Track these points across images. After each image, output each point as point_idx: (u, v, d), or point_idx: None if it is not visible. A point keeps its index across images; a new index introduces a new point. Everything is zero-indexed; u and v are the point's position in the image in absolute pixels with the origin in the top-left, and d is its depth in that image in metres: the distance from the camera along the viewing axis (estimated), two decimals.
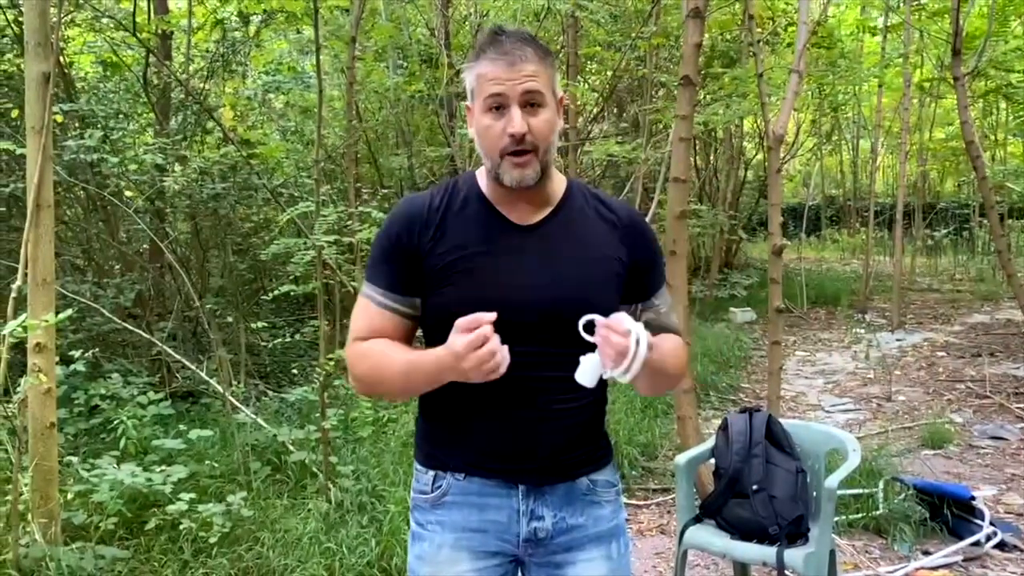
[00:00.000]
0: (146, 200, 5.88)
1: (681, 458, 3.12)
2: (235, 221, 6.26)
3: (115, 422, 4.03)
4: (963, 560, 3.59)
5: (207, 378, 4.73)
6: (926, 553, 3.66)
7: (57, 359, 3.23)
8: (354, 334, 1.56)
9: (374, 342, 1.53)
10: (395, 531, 3.39)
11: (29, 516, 2.99)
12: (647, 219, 2.44)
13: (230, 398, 4.43)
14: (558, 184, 1.58)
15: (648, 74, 7.81)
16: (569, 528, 1.56)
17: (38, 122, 2.97)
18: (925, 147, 14.12)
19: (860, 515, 3.95)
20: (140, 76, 6.19)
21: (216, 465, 4.00)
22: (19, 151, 3.74)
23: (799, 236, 15.37)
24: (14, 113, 5.27)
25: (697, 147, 11.91)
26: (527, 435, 1.51)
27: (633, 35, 7.56)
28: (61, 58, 5.56)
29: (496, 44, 1.45)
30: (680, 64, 4.34)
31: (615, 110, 10.63)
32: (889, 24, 11.40)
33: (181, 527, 3.26)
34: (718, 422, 3.33)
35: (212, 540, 3.24)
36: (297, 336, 5.77)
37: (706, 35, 6.79)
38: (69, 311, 2.98)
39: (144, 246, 6.53)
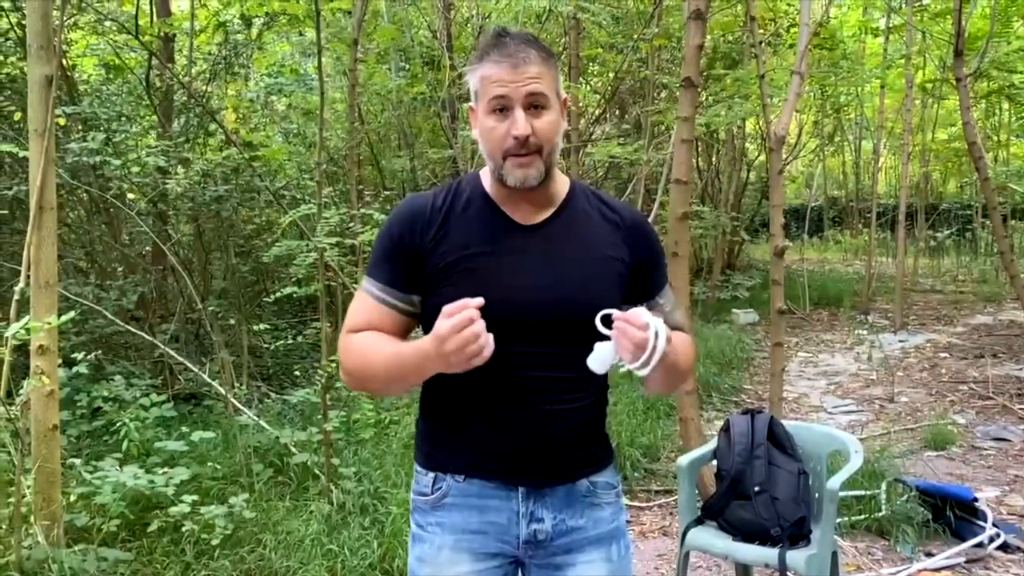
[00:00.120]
0: (148, 202, 5.89)
1: (683, 460, 3.12)
2: (237, 223, 6.26)
3: (117, 424, 4.03)
4: (966, 562, 3.59)
5: (209, 380, 4.74)
6: (929, 555, 3.65)
7: (60, 361, 3.23)
8: (347, 327, 1.55)
9: (365, 334, 1.52)
10: (397, 533, 3.39)
11: (32, 518, 2.99)
12: (649, 220, 2.44)
13: (232, 400, 4.43)
14: (561, 185, 1.59)
15: (650, 76, 7.81)
16: (569, 530, 1.56)
17: (40, 125, 2.97)
18: (927, 148, 14.11)
19: (863, 516, 3.95)
20: (143, 79, 6.20)
21: (218, 467, 4.00)
22: (22, 154, 3.75)
23: (802, 237, 15.35)
24: (17, 116, 5.28)
25: (699, 148, 11.90)
26: (527, 436, 1.51)
27: (635, 37, 7.56)
28: (64, 61, 5.57)
29: (500, 46, 1.45)
30: (682, 66, 4.34)
31: (617, 112, 10.63)
32: (891, 25, 11.40)
33: (183, 529, 3.27)
34: (720, 423, 3.33)
35: (214, 542, 3.24)
36: (299, 338, 5.76)
37: (708, 37, 6.81)
38: (72, 313, 2.98)
39: (147, 248, 6.53)
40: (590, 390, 1.56)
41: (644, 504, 4.38)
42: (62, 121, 5.10)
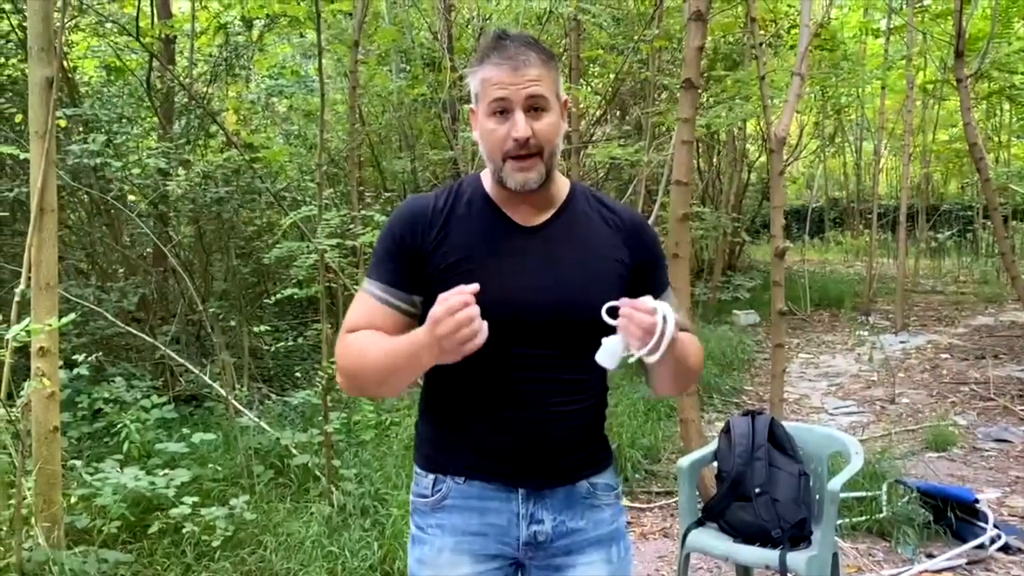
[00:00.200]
0: (149, 204, 5.89)
1: (684, 461, 3.12)
2: (238, 225, 6.26)
3: (118, 426, 4.03)
4: (967, 563, 3.58)
5: (210, 382, 4.74)
6: (930, 556, 3.65)
7: (60, 363, 3.24)
8: (346, 327, 1.53)
9: (362, 333, 1.50)
10: (398, 535, 3.39)
11: (32, 520, 2.99)
12: (650, 221, 2.44)
13: (233, 402, 4.44)
14: (561, 186, 1.59)
15: (651, 77, 7.81)
16: (569, 531, 1.56)
17: (41, 127, 2.98)
18: (928, 149, 14.11)
19: (864, 518, 3.94)
20: (143, 80, 6.21)
21: (219, 469, 4.00)
22: (23, 156, 3.75)
23: (802, 238, 15.34)
24: (18, 118, 5.28)
25: (700, 149, 11.90)
26: (527, 437, 1.51)
27: (635, 38, 7.56)
28: (65, 63, 5.57)
29: (500, 49, 1.45)
30: (682, 67, 4.34)
31: (618, 113, 10.62)
32: (892, 26, 11.41)
33: (184, 531, 3.27)
34: (721, 425, 3.32)
35: (215, 544, 3.25)
36: (300, 339, 5.77)
37: (709, 38, 6.80)
38: (72, 315, 2.98)
39: (147, 250, 6.54)
40: (590, 392, 1.56)
41: (645, 505, 4.38)
42: (63, 123, 5.11)
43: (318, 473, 3.98)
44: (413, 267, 1.51)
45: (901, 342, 9.01)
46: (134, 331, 4.80)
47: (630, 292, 1.56)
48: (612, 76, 9.56)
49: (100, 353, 4.71)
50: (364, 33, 6.07)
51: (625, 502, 4.32)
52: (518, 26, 7.57)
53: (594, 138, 9.60)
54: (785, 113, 4.70)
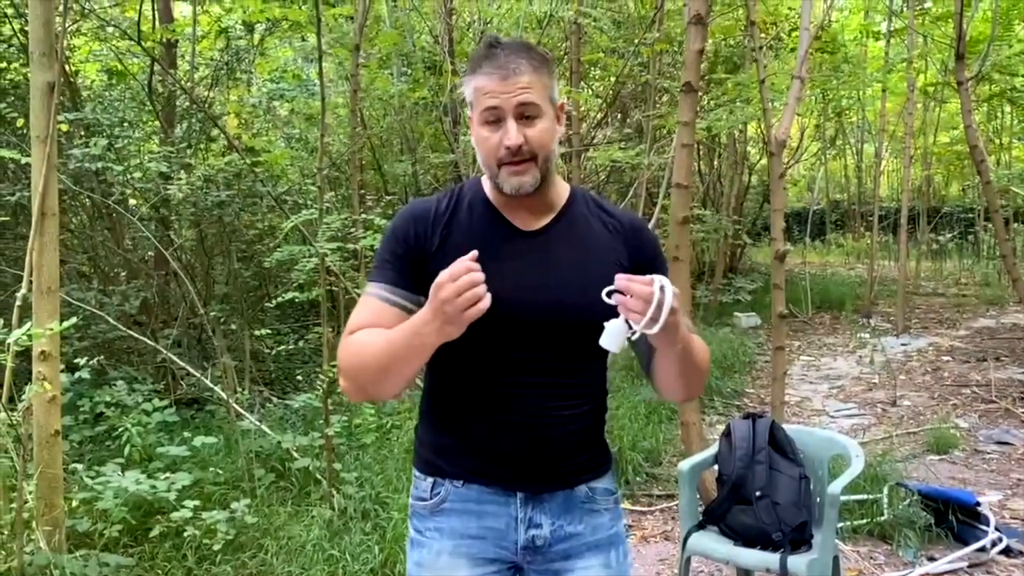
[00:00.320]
0: (151, 208, 5.90)
1: (684, 464, 3.12)
2: (240, 228, 6.27)
3: (120, 429, 4.03)
4: (968, 566, 3.58)
5: (212, 385, 4.74)
6: (931, 559, 3.65)
7: (62, 367, 3.24)
8: (348, 330, 1.52)
9: (363, 331, 1.49)
10: (398, 538, 3.39)
11: (34, 524, 2.99)
12: (651, 225, 2.45)
13: (234, 405, 4.44)
14: (561, 190, 1.60)
15: (651, 80, 7.82)
16: (567, 536, 1.56)
17: (43, 131, 2.98)
18: (929, 151, 14.12)
19: (865, 521, 3.94)
20: (145, 84, 6.22)
21: (220, 472, 4.01)
22: (24, 160, 3.76)
23: (804, 240, 15.35)
24: (19, 122, 5.30)
25: (701, 152, 11.90)
26: (526, 441, 1.51)
27: (636, 41, 7.57)
28: (67, 67, 5.59)
29: (491, 57, 1.47)
30: (683, 70, 4.35)
31: (619, 116, 10.63)
32: (892, 29, 11.41)
33: (185, 534, 3.27)
34: (722, 427, 3.32)
35: (216, 547, 3.25)
36: (301, 343, 5.78)
37: (709, 40, 6.81)
38: (74, 319, 2.98)
39: (149, 253, 6.55)
40: (589, 396, 1.57)
41: (646, 509, 4.38)
42: (65, 127, 5.12)
43: (319, 476, 3.98)
44: (416, 268, 1.52)
45: (902, 344, 9.01)
46: (135, 335, 4.81)
47: None
48: (613, 79, 9.56)
49: (102, 357, 4.71)
50: (365, 37, 6.09)
51: (626, 505, 4.34)
52: (519, 29, 7.59)
53: (595, 141, 9.61)
54: (785, 116, 4.71)
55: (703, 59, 4.60)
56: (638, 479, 4.69)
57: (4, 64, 5.51)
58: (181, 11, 8.27)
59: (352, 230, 4.79)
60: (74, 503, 3.32)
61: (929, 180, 16.43)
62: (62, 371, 3.28)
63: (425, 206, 1.57)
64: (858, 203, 19.39)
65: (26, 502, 2.96)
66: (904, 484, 4.10)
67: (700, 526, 3.02)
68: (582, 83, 8.77)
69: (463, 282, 1.29)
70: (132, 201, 6.15)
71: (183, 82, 6.70)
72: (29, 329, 2.76)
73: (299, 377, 5.70)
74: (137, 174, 5.50)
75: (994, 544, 3.69)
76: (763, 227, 15.35)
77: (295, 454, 4.13)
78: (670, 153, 6.25)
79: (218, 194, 5.72)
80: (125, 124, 6.14)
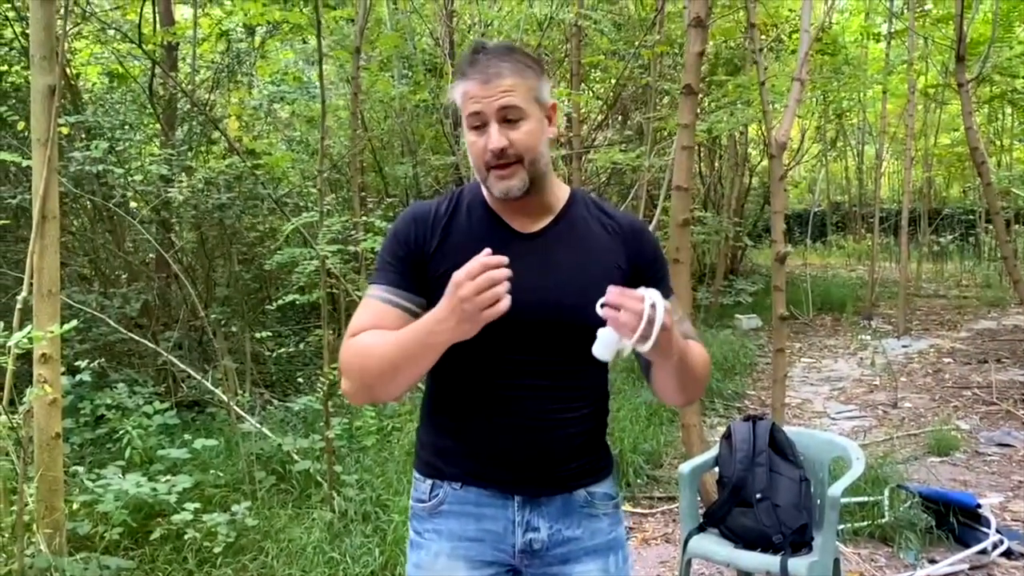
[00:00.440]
0: (152, 210, 5.91)
1: (685, 467, 3.12)
2: (240, 231, 6.28)
3: (120, 432, 4.03)
4: (969, 568, 3.58)
5: (212, 387, 4.75)
6: (932, 561, 3.64)
7: (63, 369, 3.24)
8: (350, 332, 1.51)
9: (366, 333, 1.48)
10: (399, 540, 3.39)
11: (34, 527, 2.99)
12: (651, 226, 2.45)
13: (235, 407, 4.44)
14: (560, 192, 1.60)
15: (652, 82, 7.82)
16: (565, 540, 1.56)
17: (43, 134, 2.98)
18: (930, 153, 14.11)
19: (865, 523, 3.94)
20: (146, 87, 6.23)
21: (221, 475, 4.01)
22: (25, 163, 3.76)
23: (805, 242, 15.35)
24: (20, 125, 5.30)
25: (701, 154, 11.91)
26: (526, 444, 1.51)
27: (636, 43, 7.58)
28: (67, 70, 5.59)
29: (474, 63, 1.48)
30: (683, 72, 4.35)
31: (619, 118, 10.64)
32: (893, 30, 11.41)
33: (186, 537, 3.27)
34: (723, 430, 3.32)
35: (217, 550, 3.25)
36: (302, 345, 5.77)
37: (709, 43, 6.82)
38: (75, 321, 2.98)
39: (150, 256, 6.55)
40: (589, 399, 1.57)
41: (647, 511, 4.38)
42: (65, 130, 5.12)
43: (320, 479, 3.98)
44: (417, 269, 1.52)
45: (903, 346, 9.00)
46: (136, 337, 4.81)
47: None
48: (613, 81, 9.58)
49: (102, 359, 4.70)
50: (366, 39, 6.10)
51: (627, 507, 4.34)
52: (519, 32, 7.60)
53: (595, 143, 9.62)
54: (786, 118, 4.71)
55: (703, 61, 4.61)
56: (639, 481, 4.69)
57: (5, 67, 5.52)
58: (182, 14, 8.28)
59: (353, 232, 4.79)
60: (75, 506, 3.32)
61: (930, 182, 16.42)
62: (63, 374, 3.29)
63: (425, 208, 1.58)
64: (859, 205, 19.36)
65: (27, 505, 2.96)
66: (905, 486, 4.09)
67: (701, 528, 3.02)
68: (583, 85, 8.78)
69: (483, 280, 1.27)
70: (133, 204, 6.15)
71: (184, 85, 6.71)
72: (30, 332, 2.76)
73: (300, 379, 5.70)
74: (138, 177, 5.50)
75: (995, 546, 3.69)
76: (764, 229, 15.33)
77: (296, 456, 4.13)
78: (670, 155, 6.25)
79: (219, 197, 5.72)
80: (126, 127, 6.14)
